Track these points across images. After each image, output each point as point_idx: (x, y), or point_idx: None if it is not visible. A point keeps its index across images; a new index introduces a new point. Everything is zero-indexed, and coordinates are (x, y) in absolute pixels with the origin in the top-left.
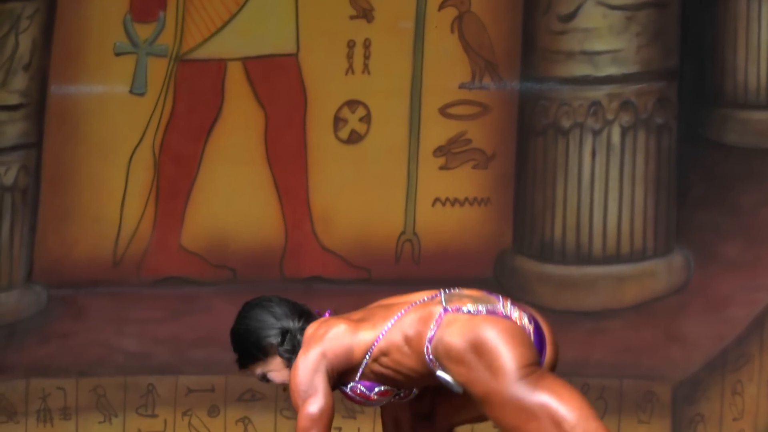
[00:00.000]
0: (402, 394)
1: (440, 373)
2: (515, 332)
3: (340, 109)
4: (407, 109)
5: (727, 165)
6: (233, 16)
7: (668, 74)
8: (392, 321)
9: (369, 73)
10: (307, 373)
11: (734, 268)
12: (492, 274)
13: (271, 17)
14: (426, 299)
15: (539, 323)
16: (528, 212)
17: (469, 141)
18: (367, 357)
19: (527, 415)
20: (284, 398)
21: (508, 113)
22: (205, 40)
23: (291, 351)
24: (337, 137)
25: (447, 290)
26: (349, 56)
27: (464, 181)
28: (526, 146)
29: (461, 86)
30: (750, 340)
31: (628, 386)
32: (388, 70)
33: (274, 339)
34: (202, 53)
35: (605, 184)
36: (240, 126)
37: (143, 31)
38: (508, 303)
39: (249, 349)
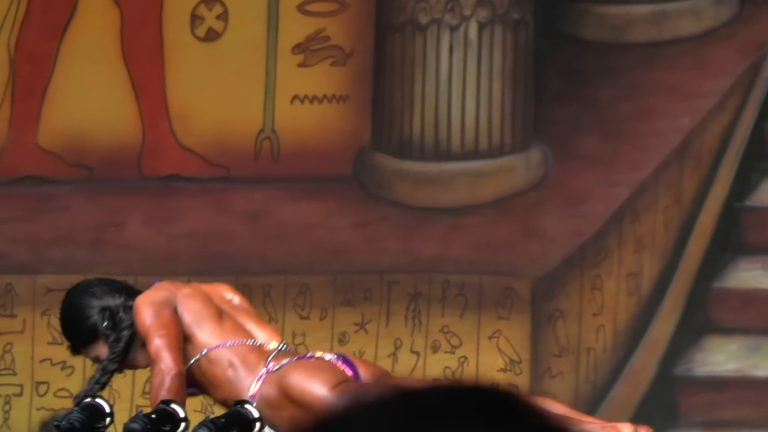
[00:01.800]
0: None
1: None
2: (315, 365)
3: (196, 6)
4: (265, 6)
5: (584, 60)
6: None
7: None
8: (231, 342)
9: None
10: (146, 314)
11: (592, 164)
12: (351, 172)
13: None
14: (262, 343)
15: (349, 358)
16: (386, 109)
17: (328, 38)
18: (199, 356)
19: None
20: None
21: (366, 10)
22: None
23: (112, 328)
24: (194, 35)
25: (279, 347)
26: None
27: (323, 78)
28: (384, 43)
29: None
30: (608, 235)
31: (488, 282)
32: None
33: (94, 319)
34: None
35: (463, 81)
36: (95, 23)
37: None
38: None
39: (75, 334)
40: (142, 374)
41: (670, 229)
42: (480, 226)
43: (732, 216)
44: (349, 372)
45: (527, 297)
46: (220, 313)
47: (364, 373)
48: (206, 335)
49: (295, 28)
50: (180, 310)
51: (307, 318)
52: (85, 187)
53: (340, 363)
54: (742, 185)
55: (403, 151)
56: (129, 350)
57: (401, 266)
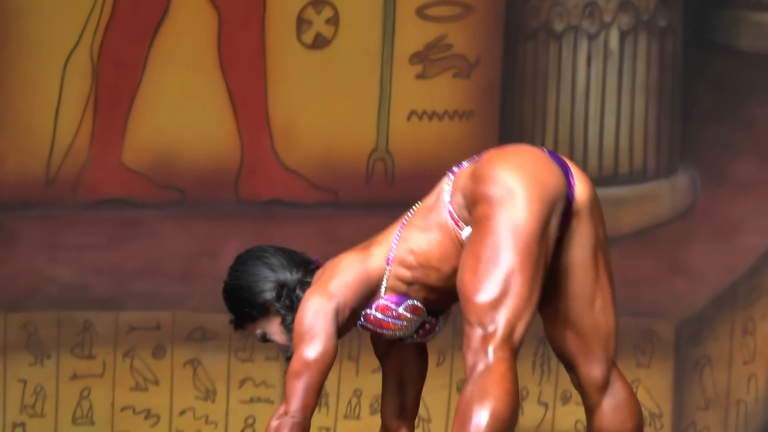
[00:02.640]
0: (428, 325)
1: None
2: (538, 155)
3: (303, 9)
4: (380, 10)
5: (739, 73)
6: None
7: None
8: (404, 221)
9: None
10: (309, 314)
11: (746, 190)
12: None
13: None
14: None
15: (556, 153)
16: (515, 126)
17: (450, 46)
18: (389, 266)
19: (495, 258)
20: (238, 338)
21: (494, 14)
22: None
23: (290, 307)
24: (300, 41)
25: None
26: None
27: (444, 92)
28: (514, 52)
29: None
30: (763, 272)
31: (626, 324)
32: None
33: (269, 294)
34: None
35: (602, 95)
36: (190, 27)
37: None
38: None
39: (243, 307)
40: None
41: None
42: (619, 261)
43: None
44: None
45: (670, 341)
46: (368, 242)
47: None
48: (378, 253)
49: (413, 35)
50: (341, 293)
51: None
52: (176, 211)
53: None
54: None
55: None
56: None
57: None
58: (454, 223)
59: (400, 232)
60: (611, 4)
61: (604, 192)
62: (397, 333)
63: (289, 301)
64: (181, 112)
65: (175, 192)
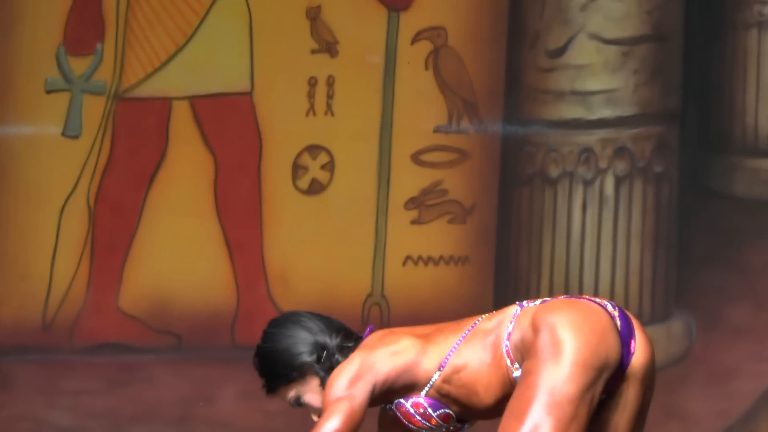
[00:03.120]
0: (453, 428)
1: (513, 366)
2: (600, 320)
3: (299, 154)
4: (375, 156)
5: (734, 219)
6: (180, 49)
7: (669, 117)
8: (466, 332)
9: (332, 114)
10: (350, 375)
11: (742, 336)
12: None
13: (223, 51)
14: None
15: (627, 315)
16: (511, 272)
17: (445, 192)
18: (437, 375)
19: (522, 415)
20: None
21: (490, 160)
22: (148, 76)
23: (329, 369)
24: (296, 186)
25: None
26: (310, 95)
27: (439, 237)
28: (510, 198)
29: (436, 130)
30: (759, 417)
31: None
32: (354, 111)
33: (308, 356)
34: (144, 91)
35: (597, 241)
36: (186, 173)
37: (78, 66)
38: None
39: (280, 369)
40: None
41: None
42: None
43: None
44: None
45: None
46: (428, 333)
47: (640, 346)
48: (434, 353)
49: (408, 181)
50: (386, 371)
51: None
52: (172, 356)
53: (616, 314)
54: None
55: None
56: None
57: None
58: (508, 359)
59: (459, 342)
60: (607, 151)
61: None
62: (422, 430)
63: (329, 364)
64: (178, 257)
65: (172, 337)
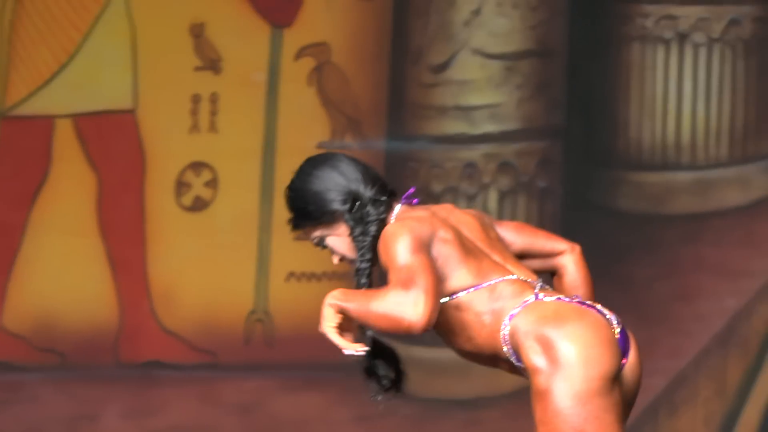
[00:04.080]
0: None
1: (507, 349)
2: (602, 331)
3: (183, 172)
4: (259, 173)
5: (618, 234)
6: (63, 68)
7: (553, 132)
8: (489, 282)
9: (216, 131)
10: (412, 240)
11: None
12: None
13: (106, 69)
14: (522, 278)
15: (626, 331)
16: None
17: None
18: (447, 299)
19: None
20: None
21: None
22: (31, 95)
23: (359, 221)
24: (179, 204)
25: (541, 283)
26: (194, 112)
27: (323, 254)
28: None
29: (320, 146)
30: None
31: None
32: (238, 129)
33: (340, 204)
34: (27, 109)
35: None
36: (70, 191)
37: None
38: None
39: (310, 211)
40: None
41: (710, 425)
42: (499, 421)
43: None
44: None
45: None
46: (473, 253)
47: (632, 362)
48: (455, 280)
49: None
50: (433, 253)
51: None
52: (56, 375)
53: (618, 330)
54: None
55: (412, 337)
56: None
57: None
58: (502, 338)
59: (479, 287)
60: (490, 166)
61: None
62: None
63: (359, 214)
64: (62, 275)
65: (55, 355)
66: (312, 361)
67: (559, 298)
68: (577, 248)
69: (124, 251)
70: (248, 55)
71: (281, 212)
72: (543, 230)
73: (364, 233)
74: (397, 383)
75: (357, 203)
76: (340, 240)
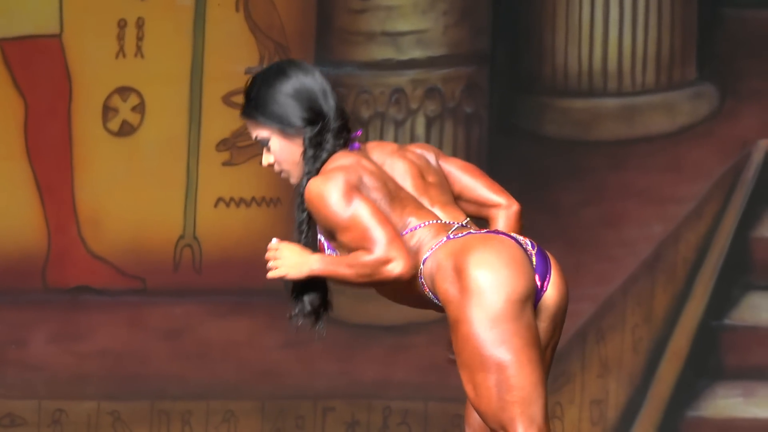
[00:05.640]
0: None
1: (427, 291)
2: (510, 252)
3: (109, 97)
4: (186, 98)
5: (544, 159)
6: None
7: (479, 58)
8: (409, 229)
9: (143, 56)
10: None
11: None
12: (282, 284)
13: None
14: (445, 221)
15: (545, 252)
16: None
17: None
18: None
19: (480, 363)
20: (47, 424)
21: None
22: None
23: (316, 145)
24: (106, 129)
25: (463, 223)
26: (120, 37)
27: (251, 179)
28: None
29: (247, 71)
30: (570, 358)
31: (434, 409)
32: (165, 54)
33: (303, 122)
34: None
35: None
36: None
37: None
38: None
39: (272, 109)
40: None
41: (639, 351)
42: (426, 347)
43: (709, 336)
44: (537, 280)
45: None
46: (398, 199)
47: (554, 284)
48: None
49: (220, 122)
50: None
51: None
52: None
53: (534, 253)
54: (721, 302)
55: None
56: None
57: (338, 391)
58: (420, 281)
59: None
60: (417, 92)
61: None
62: None
63: (319, 139)
64: None
65: None
66: (240, 286)
67: (469, 233)
68: (515, 206)
69: (51, 176)
70: None
71: (209, 137)
72: (488, 178)
73: (314, 157)
74: (318, 311)
75: (321, 128)
76: (286, 147)
